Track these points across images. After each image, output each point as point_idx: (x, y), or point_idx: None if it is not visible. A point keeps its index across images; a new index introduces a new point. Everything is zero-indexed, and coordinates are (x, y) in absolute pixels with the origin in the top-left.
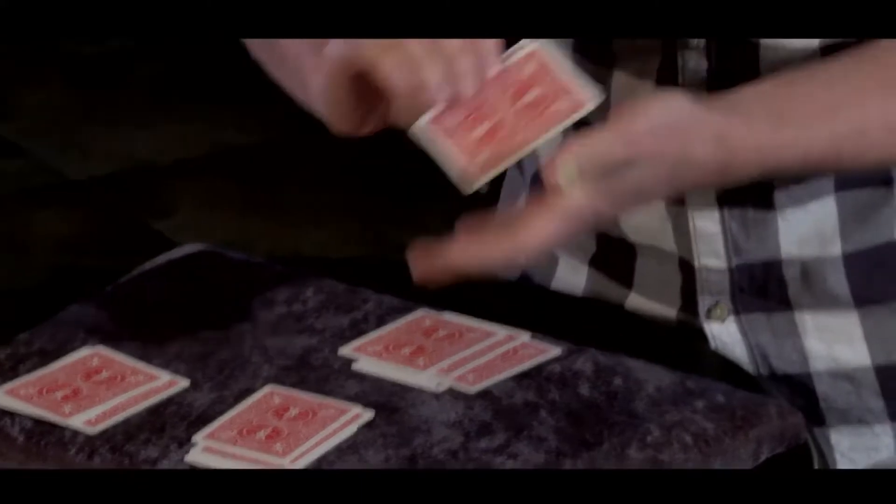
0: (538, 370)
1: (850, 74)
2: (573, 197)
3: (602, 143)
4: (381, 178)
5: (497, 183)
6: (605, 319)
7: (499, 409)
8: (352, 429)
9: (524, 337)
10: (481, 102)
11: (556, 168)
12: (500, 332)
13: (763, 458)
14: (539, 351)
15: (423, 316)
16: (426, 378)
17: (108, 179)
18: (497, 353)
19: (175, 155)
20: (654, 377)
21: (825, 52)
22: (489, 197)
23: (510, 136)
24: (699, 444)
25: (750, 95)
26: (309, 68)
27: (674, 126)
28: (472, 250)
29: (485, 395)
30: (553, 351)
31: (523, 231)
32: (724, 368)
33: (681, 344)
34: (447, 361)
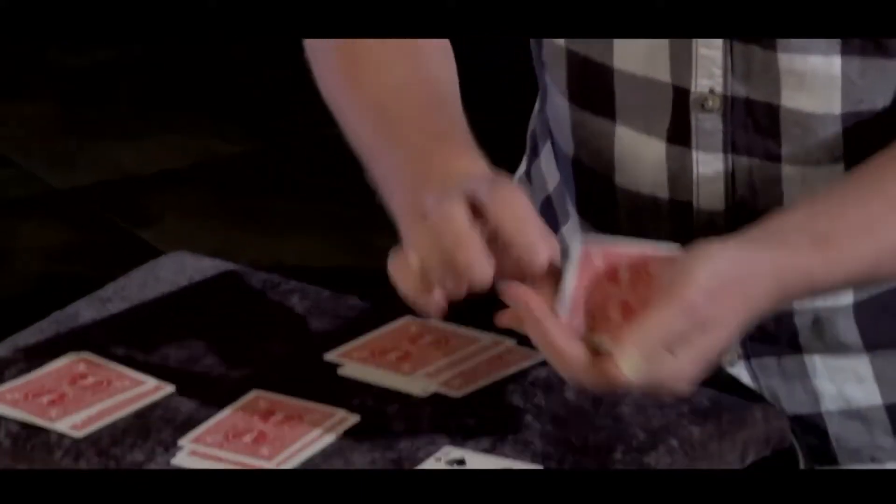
0: (524, 375)
1: (879, 188)
2: (646, 380)
3: (661, 322)
4: (365, 186)
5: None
6: None
7: (484, 413)
8: (337, 433)
9: (510, 342)
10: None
11: (620, 363)
12: (485, 337)
13: (749, 461)
14: (525, 356)
15: (408, 322)
16: (412, 383)
17: (93, 189)
18: (482, 358)
19: (159, 165)
20: None
21: (846, 118)
22: None
23: None
24: (685, 447)
25: (789, 224)
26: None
27: (728, 283)
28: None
29: (470, 399)
30: (539, 356)
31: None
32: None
33: None
34: (433, 366)
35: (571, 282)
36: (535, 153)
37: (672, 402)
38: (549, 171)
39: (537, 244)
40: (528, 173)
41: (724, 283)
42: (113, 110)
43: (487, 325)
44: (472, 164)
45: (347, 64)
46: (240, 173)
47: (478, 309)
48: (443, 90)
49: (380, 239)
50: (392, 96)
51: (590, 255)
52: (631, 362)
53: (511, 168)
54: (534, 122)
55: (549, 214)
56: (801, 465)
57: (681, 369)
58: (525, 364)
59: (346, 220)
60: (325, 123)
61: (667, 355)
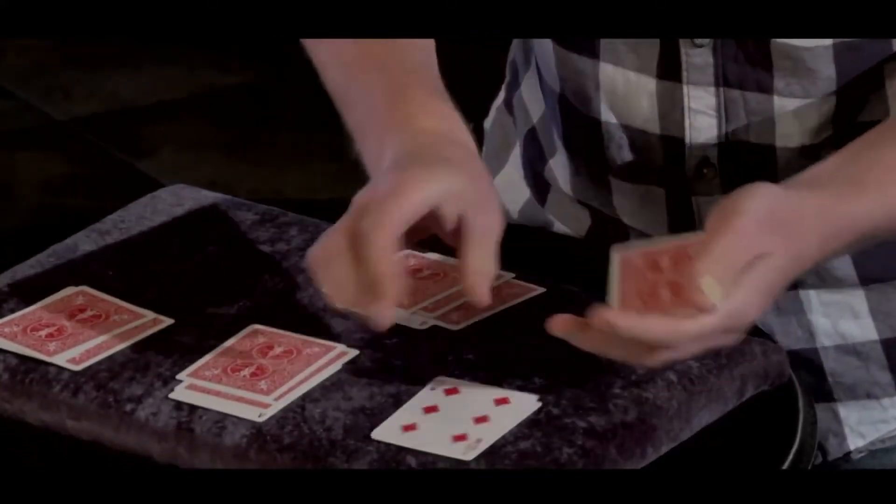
0: (522, 309)
1: None
2: (731, 305)
3: (726, 251)
4: None
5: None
6: (591, 260)
7: (483, 347)
8: (336, 367)
9: (508, 276)
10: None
11: (702, 292)
12: None
13: (748, 395)
14: (523, 290)
15: (407, 255)
16: (411, 316)
17: (91, 121)
18: None
19: (158, 96)
20: None
21: (838, 50)
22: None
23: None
24: (683, 381)
25: (826, 170)
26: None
27: (777, 218)
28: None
29: (469, 333)
30: (537, 290)
31: (695, 346)
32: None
33: None
34: (431, 300)
35: (616, 286)
36: (515, 82)
37: None
38: (532, 101)
39: (478, 287)
40: (508, 103)
41: (774, 217)
42: (110, 41)
43: None
44: (435, 120)
45: None
46: (238, 104)
47: None
48: (409, 41)
49: None
50: (357, 51)
51: (629, 258)
52: (713, 290)
53: (489, 97)
54: (514, 51)
55: (534, 146)
56: (800, 401)
57: (749, 300)
58: (523, 297)
59: (346, 152)
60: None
61: (735, 283)
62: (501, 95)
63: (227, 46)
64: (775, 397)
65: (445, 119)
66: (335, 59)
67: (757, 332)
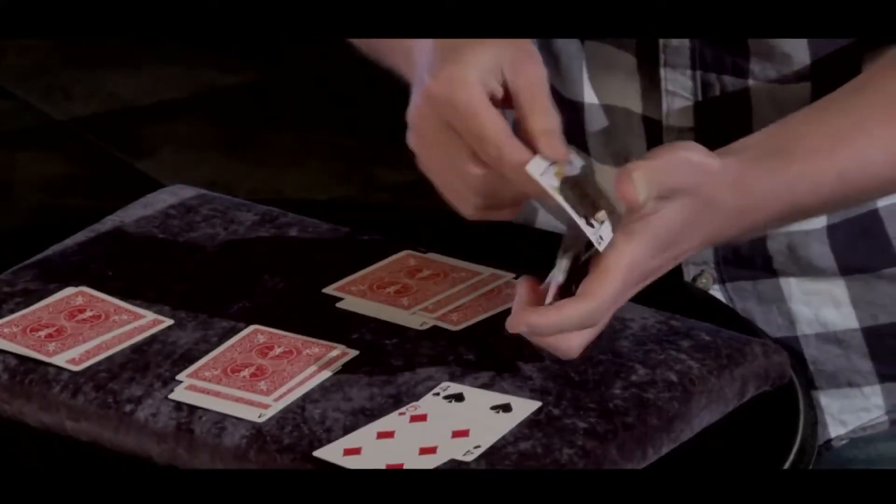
0: None
1: (850, 106)
2: (653, 208)
3: (662, 166)
4: (365, 117)
5: None
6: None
7: (483, 348)
8: (336, 367)
9: (508, 276)
10: None
11: (632, 181)
12: (484, 271)
13: (748, 396)
14: None
15: (407, 255)
16: (410, 317)
17: (91, 121)
18: (481, 292)
19: (158, 96)
20: (638, 316)
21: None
22: None
23: None
24: (684, 382)
25: (755, 139)
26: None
27: (697, 165)
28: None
29: (469, 334)
30: None
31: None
32: (710, 307)
33: (666, 283)
34: (432, 300)
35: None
36: None
37: (671, 337)
38: None
39: (555, 145)
40: None
41: (693, 163)
42: (110, 41)
43: (486, 258)
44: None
45: None
46: (238, 104)
47: (477, 242)
48: None
49: (380, 171)
50: None
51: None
52: (640, 182)
53: None
54: None
55: (519, 134)
56: (801, 401)
57: (640, 250)
58: None
59: (346, 152)
60: (325, 53)
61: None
62: None
63: (227, 46)
64: (776, 398)
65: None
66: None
67: (751, 331)
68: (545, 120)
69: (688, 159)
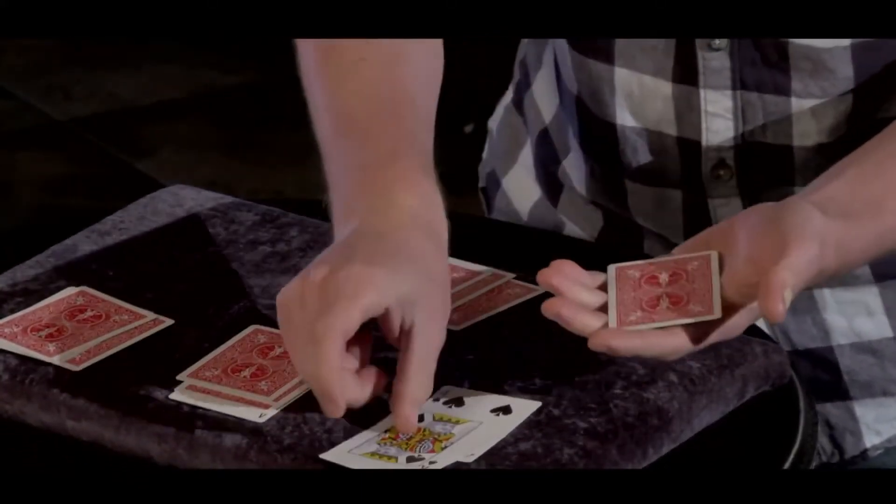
0: (523, 309)
1: None
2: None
3: (801, 263)
4: None
5: (483, 125)
6: (596, 263)
7: (484, 348)
8: None
9: (509, 276)
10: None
11: (782, 300)
12: (484, 271)
13: (748, 396)
14: (524, 290)
15: None
16: None
17: (91, 121)
18: (482, 292)
19: (158, 96)
20: None
21: (855, 50)
22: (475, 136)
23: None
24: (684, 382)
25: (839, 191)
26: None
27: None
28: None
29: (470, 334)
30: (538, 290)
31: None
32: None
33: None
34: None
35: (614, 296)
36: (526, 82)
37: None
38: (544, 101)
39: (410, 416)
40: (518, 103)
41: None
42: (110, 41)
43: (487, 259)
44: (415, 198)
45: (320, 61)
46: (238, 104)
47: (477, 242)
48: (411, 98)
49: None
50: (354, 102)
51: (626, 271)
52: (788, 297)
53: (496, 95)
54: (524, 51)
55: (547, 147)
56: (801, 401)
57: None
58: (524, 298)
59: None
60: None
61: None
62: (510, 95)
63: (227, 46)
64: (776, 398)
65: (425, 199)
66: (333, 105)
67: (751, 330)
68: (421, 392)
69: (820, 244)
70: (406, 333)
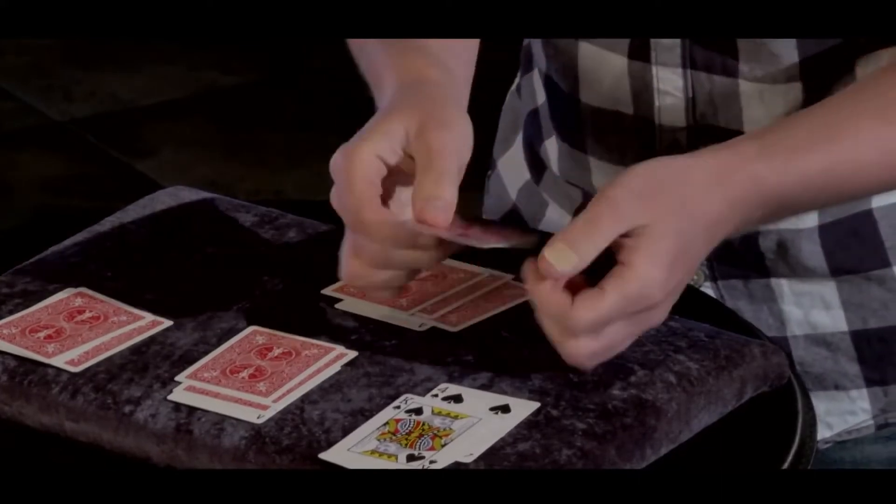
0: (521, 310)
1: (844, 103)
2: (625, 284)
3: (589, 221)
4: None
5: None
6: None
7: (482, 348)
8: (335, 368)
9: (508, 277)
10: None
11: (544, 257)
12: (482, 272)
13: (747, 397)
14: (522, 292)
15: None
16: (410, 318)
17: (91, 121)
18: (480, 293)
19: (157, 96)
20: None
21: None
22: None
23: None
24: (683, 383)
25: (739, 138)
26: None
27: (655, 182)
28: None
29: (468, 334)
30: None
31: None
32: (708, 308)
33: None
34: (430, 301)
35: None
36: (528, 67)
37: (670, 338)
38: (539, 86)
39: (427, 212)
40: (519, 87)
41: (651, 185)
42: (110, 41)
43: (485, 260)
44: (438, 72)
45: None
46: (238, 105)
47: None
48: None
49: None
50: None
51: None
52: (560, 254)
53: (496, 95)
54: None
55: (534, 127)
56: (799, 402)
57: (645, 274)
58: (522, 299)
59: None
60: (325, 55)
61: (592, 248)
62: (516, 81)
63: (227, 46)
64: (775, 399)
65: (446, 78)
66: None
67: (749, 332)
68: (431, 187)
69: (628, 195)
70: (416, 148)
